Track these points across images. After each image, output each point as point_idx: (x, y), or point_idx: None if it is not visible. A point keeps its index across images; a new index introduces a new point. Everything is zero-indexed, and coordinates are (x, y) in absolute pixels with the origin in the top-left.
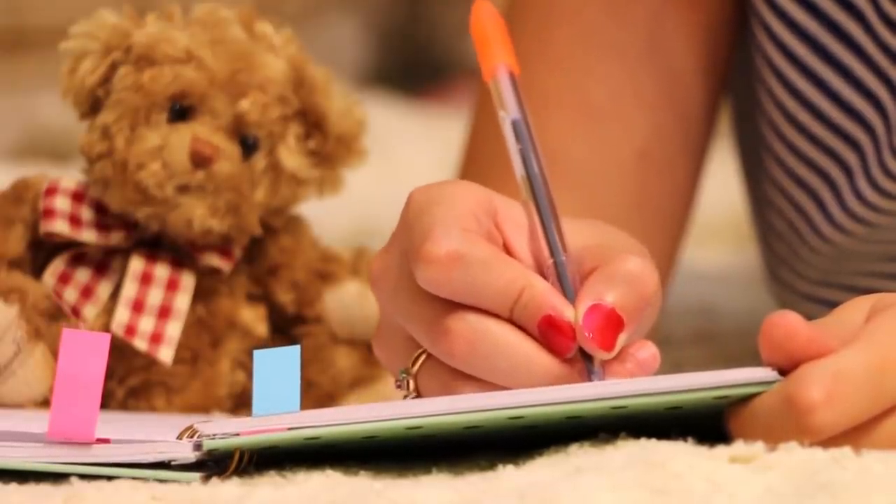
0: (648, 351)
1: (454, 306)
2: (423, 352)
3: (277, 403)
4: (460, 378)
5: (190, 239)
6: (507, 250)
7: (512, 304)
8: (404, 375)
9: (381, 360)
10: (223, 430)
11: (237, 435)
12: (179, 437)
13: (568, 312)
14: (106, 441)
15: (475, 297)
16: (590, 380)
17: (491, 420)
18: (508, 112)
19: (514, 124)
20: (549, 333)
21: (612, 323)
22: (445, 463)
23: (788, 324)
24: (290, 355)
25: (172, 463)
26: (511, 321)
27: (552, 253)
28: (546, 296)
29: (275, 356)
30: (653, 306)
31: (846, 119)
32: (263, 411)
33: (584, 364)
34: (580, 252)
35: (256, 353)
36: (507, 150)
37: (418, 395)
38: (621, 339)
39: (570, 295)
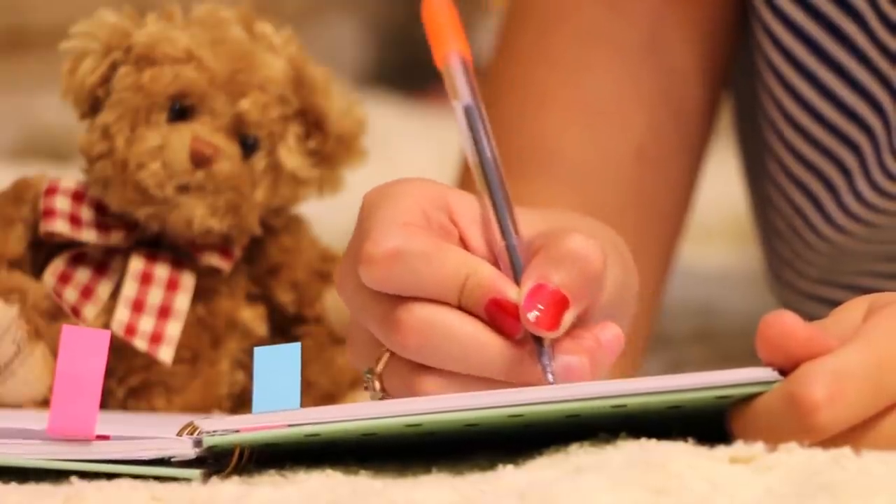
0: (611, 332)
1: (403, 299)
2: (386, 350)
3: (277, 400)
4: (419, 371)
5: (190, 239)
6: (463, 243)
7: (458, 291)
8: (369, 376)
9: (353, 364)
10: (223, 426)
11: (237, 431)
12: (179, 433)
13: (513, 294)
14: (106, 438)
15: (421, 289)
16: (540, 360)
17: (491, 418)
18: (460, 99)
19: (467, 110)
20: (496, 316)
21: (555, 302)
22: (445, 462)
23: (784, 323)
24: (291, 352)
25: (172, 460)
26: (461, 308)
27: (504, 236)
28: (491, 279)
29: (275, 353)
30: (628, 294)
31: (845, 120)
32: (263, 408)
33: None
34: (531, 237)
35: (257, 350)
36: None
37: (385, 395)
38: (567, 317)
39: (520, 277)
